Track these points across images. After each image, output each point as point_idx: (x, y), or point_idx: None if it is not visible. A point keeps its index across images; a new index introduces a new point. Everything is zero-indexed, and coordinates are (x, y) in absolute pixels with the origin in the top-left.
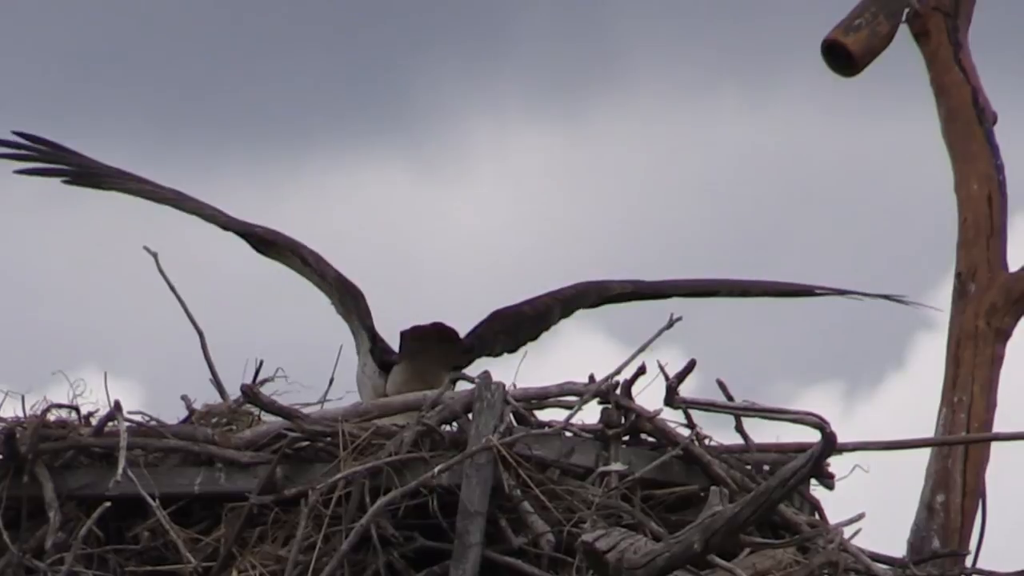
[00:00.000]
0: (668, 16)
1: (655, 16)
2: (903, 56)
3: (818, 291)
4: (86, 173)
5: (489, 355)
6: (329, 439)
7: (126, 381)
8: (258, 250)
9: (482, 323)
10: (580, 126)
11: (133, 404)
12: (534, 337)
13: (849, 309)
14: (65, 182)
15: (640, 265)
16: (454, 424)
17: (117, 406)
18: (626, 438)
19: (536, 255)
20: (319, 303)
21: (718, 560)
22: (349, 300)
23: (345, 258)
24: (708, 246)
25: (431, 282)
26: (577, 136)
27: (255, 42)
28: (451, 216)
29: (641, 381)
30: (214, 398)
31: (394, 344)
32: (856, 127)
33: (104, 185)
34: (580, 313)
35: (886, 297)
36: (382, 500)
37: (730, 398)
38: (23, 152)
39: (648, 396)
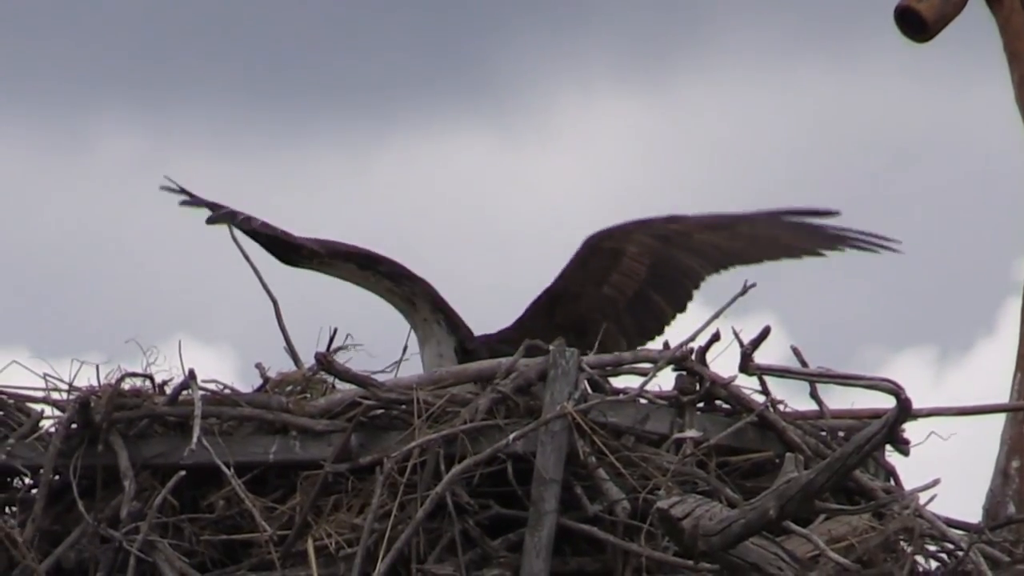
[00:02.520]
0: None
1: None
2: (977, 22)
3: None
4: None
5: None
6: (404, 407)
7: (220, 347)
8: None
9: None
10: (664, 94)
11: (226, 371)
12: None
13: (940, 274)
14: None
15: None
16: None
17: (191, 375)
18: (701, 405)
19: (619, 220)
20: None
21: (793, 526)
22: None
23: (431, 224)
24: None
25: (515, 247)
26: (661, 103)
27: (344, 12)
28: (535, 183)
29: (717, 348)
30: (289, 366)
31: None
32: (937, 93)
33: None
34: None
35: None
36: (457, 468)
37: (804, 364)
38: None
39: (723, 362)
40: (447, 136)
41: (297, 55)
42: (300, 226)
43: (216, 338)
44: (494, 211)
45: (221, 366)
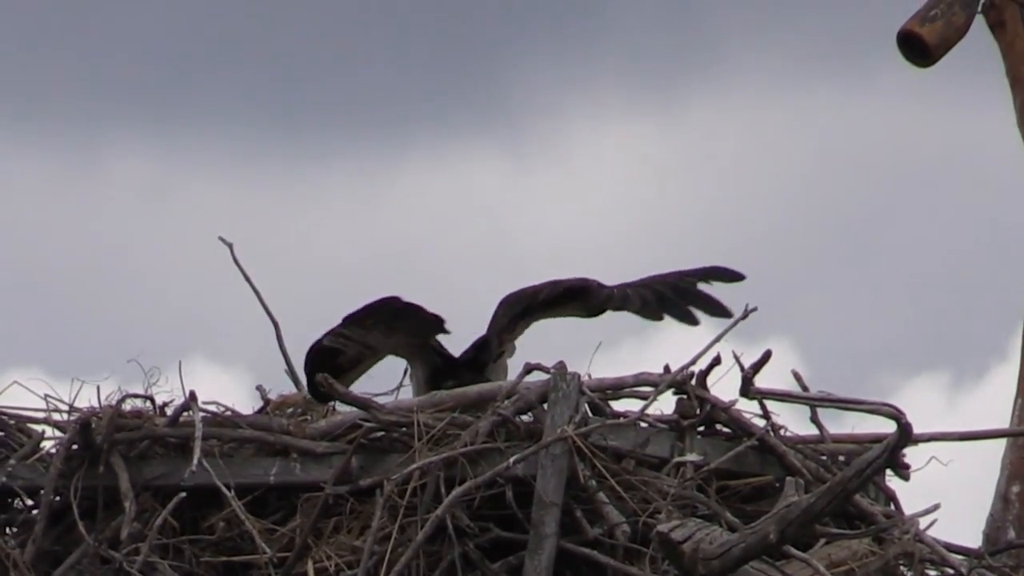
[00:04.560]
0: (764, 6)
1: (751, 6)
2: (980, 47)
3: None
4: None
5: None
6: (404, 429)
7: (235, 369)
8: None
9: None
10: (675, 117)
11: (242, 392)
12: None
13: (953, 300)
14: None
15: (734, 254)
16: (529, 414)
17: (192, 396)
18: (701, 428)
19: (632, 245)
20: (385, 291)
21: (793, 551)
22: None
23: (445, 248)
24: (803, 235)
25: (530, 271)
26: (672, 127)
27: (357, 37)
28: (548, 206)
29: (718, 371)
30: (290, 388)
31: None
32: (947, 117)
33: None
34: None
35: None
36: (457, 490)
37: (805, 388)
38: None
39: (724, 386)
40: (460, 161)
41: (310, 80)
42: (314, 252)
43: (232, 360)
44: (507, 235)
45: (238, 387)
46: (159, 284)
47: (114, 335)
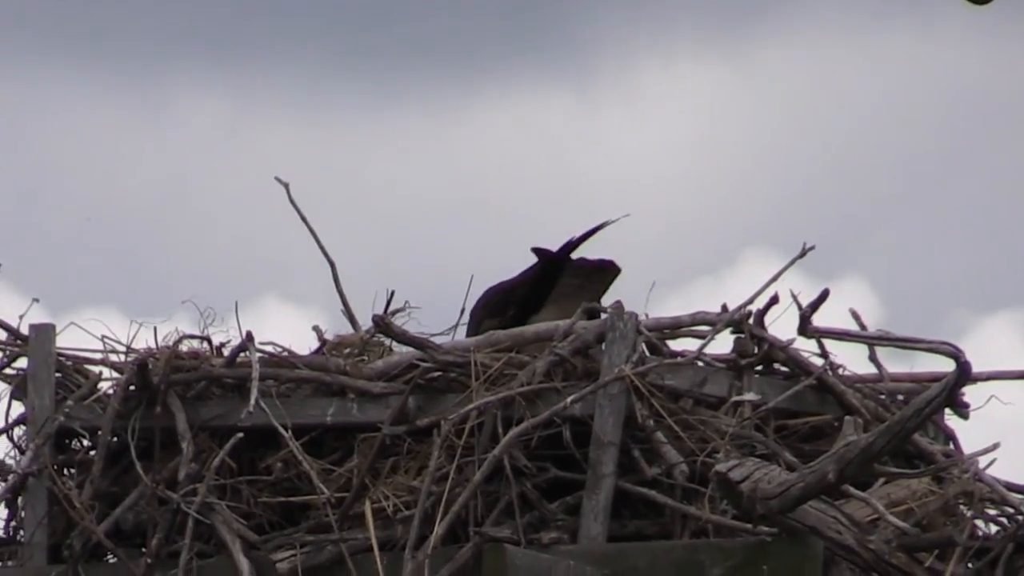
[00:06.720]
0: None
1: None
2: None
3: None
4: None
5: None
6: (461, 369)
7: (309, 308)
8: None
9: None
10: (744, 57)
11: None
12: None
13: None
14: None
15: (804, 193)
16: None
17: (249, 337)
18: (759, 368)
19: (699, 182)
20: (451, 232)
21: (852, 490)
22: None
23: (514, 184)
24: (875, 174)
25: (596, 208)
26: (741, 67)
27: None
28: (617, 145)
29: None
30: (347, 329)
31: None
32: (1013, 54)
33: None
34: (763, 242)
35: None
36: (514, 430)
37: (863, 327)
38: None
39: (783, 326)
40: (530, 100)
41: (380, 21)
42: (385, 192)
43: (305, 301)
44: (576, 173)
45: (309, 325)
46: (232, 224)
47: (187, 275)
